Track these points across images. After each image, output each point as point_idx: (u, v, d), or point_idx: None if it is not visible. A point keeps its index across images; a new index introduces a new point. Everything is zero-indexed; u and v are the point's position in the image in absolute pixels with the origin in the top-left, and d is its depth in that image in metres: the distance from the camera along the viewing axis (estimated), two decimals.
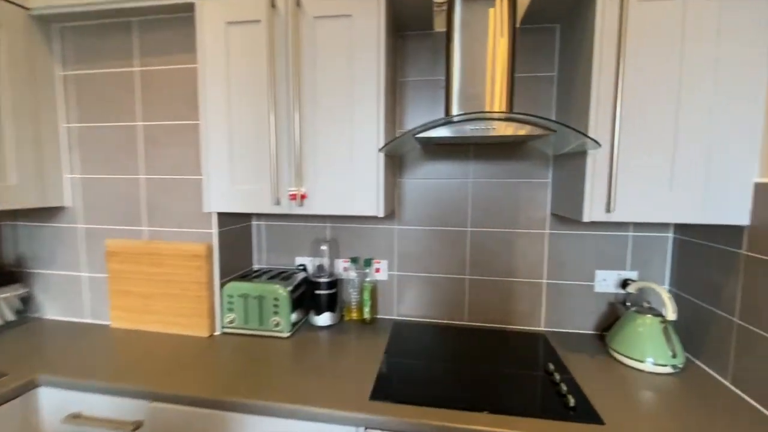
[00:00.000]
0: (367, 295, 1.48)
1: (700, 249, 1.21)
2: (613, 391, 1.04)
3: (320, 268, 1.55)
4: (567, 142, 1.10)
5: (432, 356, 1.25)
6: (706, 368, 1.16)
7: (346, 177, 1.21)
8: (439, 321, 1.54)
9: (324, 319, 1.47)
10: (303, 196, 1.22)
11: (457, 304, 1.52)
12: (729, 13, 0.97)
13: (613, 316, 1.41)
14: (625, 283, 1.38)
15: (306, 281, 1.51)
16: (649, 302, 1.28)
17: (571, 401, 0.97)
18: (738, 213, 1.02)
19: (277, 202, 1.23)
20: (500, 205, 1.45)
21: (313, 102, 1.19)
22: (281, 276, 1.47)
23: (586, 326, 1.45)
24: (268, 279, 1.44)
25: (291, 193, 1.22)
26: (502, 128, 1.03)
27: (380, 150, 1.18)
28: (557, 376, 1.10)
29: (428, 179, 1.49)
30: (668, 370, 1.13)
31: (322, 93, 1.19)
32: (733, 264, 1.07)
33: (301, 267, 1.61)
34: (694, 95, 1.00)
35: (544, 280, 1.45)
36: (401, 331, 1.44)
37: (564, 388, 1.03)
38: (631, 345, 1.19)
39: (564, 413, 0.94)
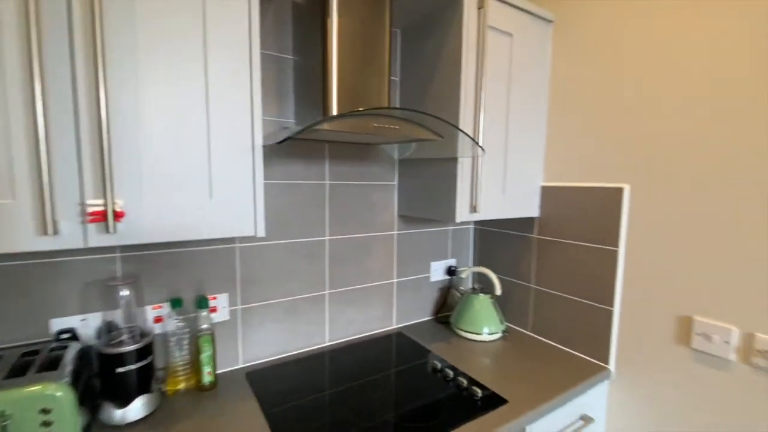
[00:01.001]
0: (207, 349, 1.03)
1: (497, 236, 1.57)
2: (485, 367, 1.19)
3: (110, 328, 0.95)
4: (433, 147, 1.15)
5: (316, 389, 1.03)
6: (515, 327, 1.53)
7: (198, 181, 0.78)
8: (300, 351, 1.29)
9: (136, 409, 0.91)
10: (118, 216, 0.68)
11: (318, 324, 1.32)
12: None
13: (443, 299, 1.62)
14: (450, 270, 1.61)
15: (85, 357, 0.89)
16: (480, 284, 1.55)
17: (478, 393, 1.04)
18: (534, 208, 1.39)
19: (52, 230, 0.63)
20: (356, 208, 1.36)
21: (133, 57, 0.69)
22: (32, 362, 0.79)
23: (427, 313, 1.60)
24: (8, 374, 0.74)
25: (93, 210, 0.66)
26: (408, 129, 0.95)
27: (279, 143, 0.83)
28: (450, 373, 1.15)
29: (280, 181, 1.19)
30: (499, 335, 1.42)
31: (149, 44, 0.70)
32: (529, 245, 1.45)
33: (66, 334, 0.93)
34: (496, 117, 1.27)
35: (395, 280, 1.48)
36: (263, 380, 1.10)
37: (463, 382, 1.10)
38: (472, 321, 1.41)
39: (477, 407, 0.99)
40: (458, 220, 1.17)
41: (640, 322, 1.15)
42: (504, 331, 1.44)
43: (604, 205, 1.21)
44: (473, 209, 1.18)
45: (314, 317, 1.31)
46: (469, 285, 1.70)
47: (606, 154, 1.21)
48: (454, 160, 1.17)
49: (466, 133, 0.97)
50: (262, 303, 1.20)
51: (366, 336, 1.42)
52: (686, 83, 1.02)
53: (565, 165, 1.33)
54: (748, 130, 0.92)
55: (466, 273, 1.53)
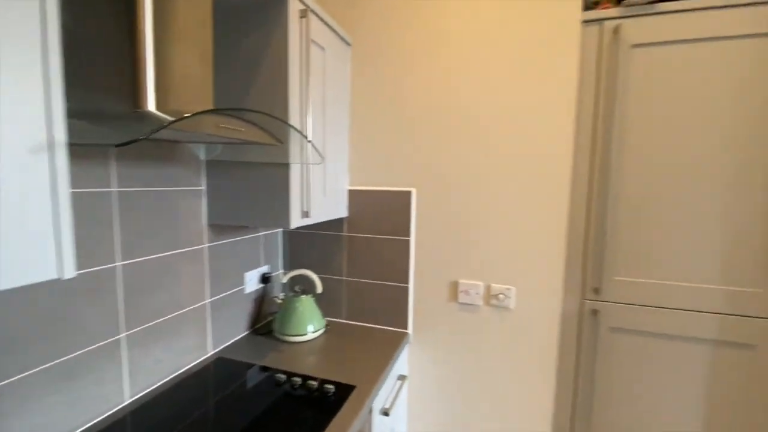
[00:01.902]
0: None
1: (307, 237, 1.65)
2: (323, 363, 1.26)
3: None
4: (256, 151, 1.10)
5: None
6: (333, 318, 1.65)
7: None
8: (90, 425, 0.92)
9: None
10: None
11: (112, 381, 0.98)
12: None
13: (258, 309, 1.54)
14: (264, 278, 1.55)
15: None
16: (300, 286, 1.55)
17: (330, 388, 1.10)
18: (344, 209, 1.55)
19: None
20: (156, 221, 1.09)
21: None
22: None
23: (243, 328, 1.47)
24: None
25: None
26: (252, 133, 0.87)
27: (118, 145, 0.56)
28: (297, 380, 1.14)
29: None
30: (323, 330, 1.50)
31: None
32: (340, 242, 1.60)
33: None
34: (317, 125, 1.38)
35: (208, 300, 1.29)
36: None
37: (313, 384, 1.12)
38: (297, 324, 1.43)
39: (335, 401, 1.05)
40: (293, 226, 1.17)
41: (427, 292, 1.52)
42: (325, 326, 1.54)
43: (398, 205, 1.51)
44: (305, 214, 1.21)
45: (106, 373, 0.97)
46: (286, 290, 1.69)
47: (398, 163, 1.51)
48: (284, 166, 1.15)
49: (311, 142, 0.99)
50: (19, 376, 0.79)
51: (180, 374, 1.18)
52: (453, 107, 1.43)
53: (367, 171, 1.55)
54: (485, 145, 1.40)
55: (287, 277, 1.53)
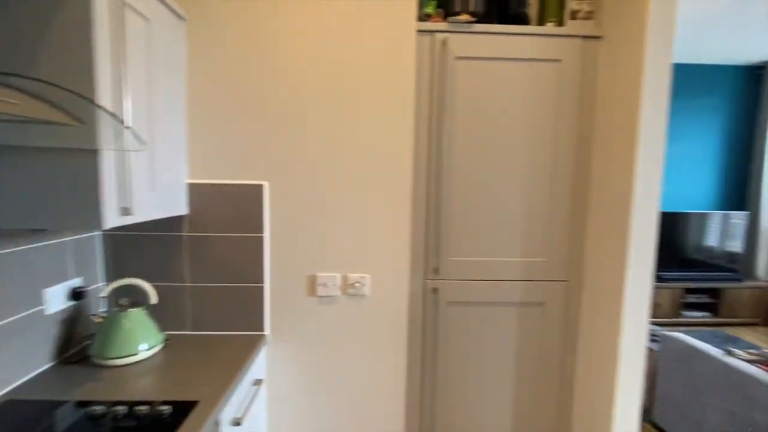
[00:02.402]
0: None
1: (136, 240, 1.40)
2: (158, 383, 1.09)
3: None
4: (44, 133, 0.88)
5: None
6: (175, 331, 1.44)
7: None
8: None
9: None
10: None
11: None
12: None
13: (68, 333, 1.24)
14: (76, 293, 1.25)
15: None
16: (127, 299, 1.29)
17: (165, 410, 0.96)
18: (182, 206, 1.37)
19: None
20: None
21: None
22: None
23: (47, 359, 1.16)
24: None
25: None
26: (34, 108, 0.68)
27: None
28: (119, 410, 0.95)
29: None
30: (160, 347, 1.30)
31: None
32: (179, 244, 1.41)
33: None
34: (139, 106, 1.20)
35: None
36: None
37: (142, 409, 0.95)
38: (124, 344, 1.21)
39: (171, 421, 0.92)
40: (108, 225, 0.97)
41: (284, 289, 1.47)
42: (165, 340, 1.34)
43: (249, 199, 1.42)
44: (125, 211, 1.02)
45: None
46: (110, 305, 1.39)
47: (248, 155, 1.41)
48: (92, 153, 0.94)
49: (127, 126, 0.83)
50: None
51: None
52: (303, 99, 1.40)
53: (211, 163, 1.41)
54: (335, 140, 1.42)
55: (109, 290, 1.26)
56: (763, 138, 3.86)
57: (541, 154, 1.53)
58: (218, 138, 1.40)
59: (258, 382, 1.35)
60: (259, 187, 1.41)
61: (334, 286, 1.47)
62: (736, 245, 3.92)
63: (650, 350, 2.29)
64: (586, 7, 1.49)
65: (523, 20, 1.51)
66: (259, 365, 1.42)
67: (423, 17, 1.48)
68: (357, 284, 1.47)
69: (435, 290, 1.56)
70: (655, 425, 2.18)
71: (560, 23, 1.51)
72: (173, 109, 1.29)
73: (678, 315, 3.77)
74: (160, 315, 1.43)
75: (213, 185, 1.41)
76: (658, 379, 2.14)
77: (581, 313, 1.60)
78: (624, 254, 1.35)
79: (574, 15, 1.49)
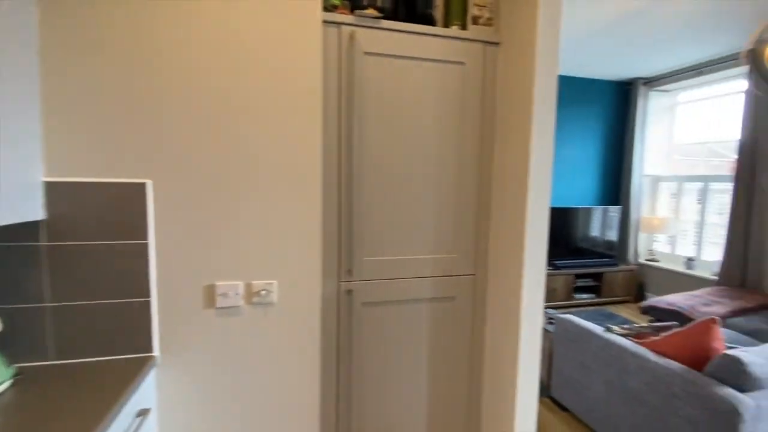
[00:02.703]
0: None
1: None
2: None
3: None
4: None
5: None
6: (31, 363, 1.17)
7: None
8: None
9: None
10: None
11: None
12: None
13: None
14: None
15: None
16: None
17: None
18: (36, 210, 1.12)
19: None
20: None
21: None
22: None
23: None
24: None
25: None
26: None
27: None
28: None
29: None
30: (8, 385, 1.05)
31: None
32: (36, 256, 1.15)
33: None
34: None
35: None
36: None
37: None
38: None
39: None
40: None
41: (177, 302, 1.30)
42: (15, 376, 1.08)
43: (128, 200, 1.22)
44: None
45: None
46: None
47: (127, 148, 1.21)
48: None
49: None
50: None
51: None
52: (197, 86, 1.24)
53: (78, 158, 1.17)
54: (236, 135, 1.29)
55: None
56: (632, 144, 4.56)
57: (449, 153, 1.58)
58: (88, 127, 1.17)
59: (144, 413, 1.17)
60: (142, 185, 1.22)
61: (237, 295, 1.34)
62: (612, 235, 4.57)
63: (547, 332, 2.54)
64: (486, 14, 1.56)
65: (429, 21, 1.53)
66: (146, 392, 1.23)
67: (329, 8, 1.42)
68: (263, 292, 1.35)
69: (349, 292, 1.52)
70: (553, 400, 2.42)
71: (464, 27, 1.56)
72: (18, 91, 1.04)
73: (571, 298, 4.27)
74: (11, 344, 1.16)
75: (81, 184, 1.18)
76: (554, 358, 2.37)
77: (487, 303, 1.69)
78: (521, 247, 1.44)
79: (475, 20, 1.56)
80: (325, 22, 1.38)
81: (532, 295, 1.47)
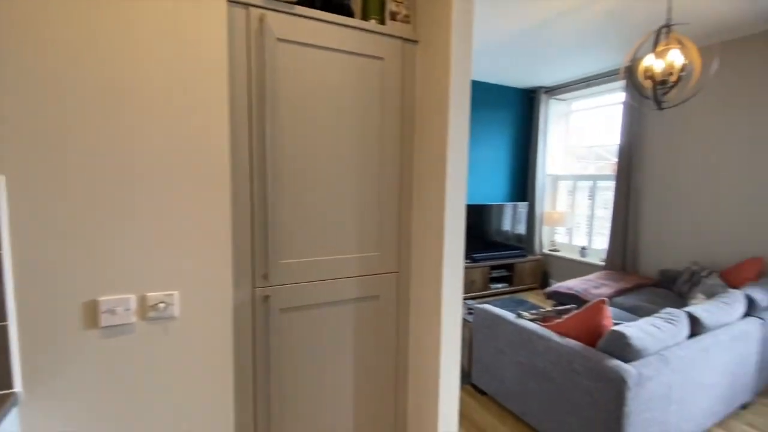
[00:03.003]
0: None
1: None
2: None
3: None
4: None
5: None
6: None
7: None
8: None
9: None
10: None
11: None
12: None
13: None
14: None
15: None
16: None
17: None
18: None
19: None
20: None
21: None
22: None
23: None
24: None
25: None
26: None
27: None
28: None
29: None
30: None
31: None
32: None
33: None
34: None
35: None
36: None
37: None
38: None
39: None
40: None
41: (45, 325, 1.07)
42: None
43: None
44: None
45: None
46: None
47: None
48: None
49: None
50: None
51: None
52: (78, 59, 1.02)
53: None
54: (123, 120, 1.09)
55: None
56: (536, 147, 5.03)
57: (371, 150, 1.54)
58: None
59: None
60: None
61: (128, 311, 1.14)
62: (522, 228, 5.00)
63: (466, 322, 2.67)
64: (403, 11, 1.56)
65: (346, 11, 1.48)
66: None
67: None
68: (161, 305, 1.18)
69: (266, 298, 1.40)
70: (474, 386, 2.55)
71: (382, 22, 1.54)
72: None
73: (487, 288, 4.58)
74: None
75: None
76: (474, 346, 2.50)
77: (411, 299, 1.70)
78: (441, 243, 1.47)
79: (393, 16, 1.55)
80: (231, 1, 1.25)
81: (452, 288, 1.51)
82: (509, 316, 2.28)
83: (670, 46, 2.20)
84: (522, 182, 5.28)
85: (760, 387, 2.48)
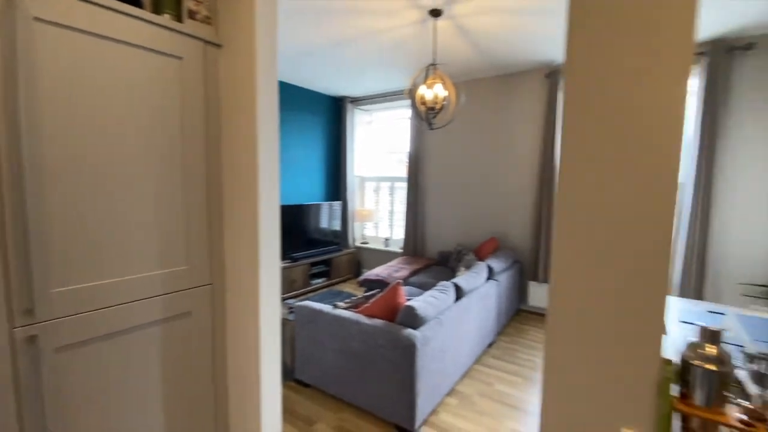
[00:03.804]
0: None
1: None
2: None
3: None
4: None
5: None
6: None
7: None
8: None
9: None
10: None
11: None
12: None
13: None
14: None
15: None
16: None
17: None
18: None
19: None
20: None
21: None
22: None
23: None
24: None
25: None
26: None
27: None
28: None
29: None
30: None
31: None
32: None
33: None
34: None
35: None
36: None
37: None
38: None
39: None
40: None
41: None
42: None
43: None
44: None
45: None
46: None
47: None
48: None
49: None
50: None
51: None
52: None
53: None
54: None
55: None
56: (345, 150, 5.52)
57: (170, 153, 1.42)
58: None
59: None
60: None
61: None
62: (337, 225, 5.43)
63: (288, 321, 2.76)
64: (203, 11, 1.50)
65: (133, 1, 1.32)
66: None
67: None
68: None
69: (32, 339, 1.12)
70: (299, 381, 2.67)
71: (178, 19, 1.44)
72: None
73: (308, 285, 4.78)
74: None
75: None
76: (296, 343, 2.62)
77: (227, 310, 1.67)
78: (256, 247, 1.51)
79: (192, 14, 1.47)
80: None
81: (270, 291, 1.57)
82: (326, 308, 2.50)
83: (435, 80, 2.85)
84: (336, 183, 5.71)
85: (498, 329, 3.54)
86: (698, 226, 3.21)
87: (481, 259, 3.99)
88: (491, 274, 3.44)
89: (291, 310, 2.96)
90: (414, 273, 4.25)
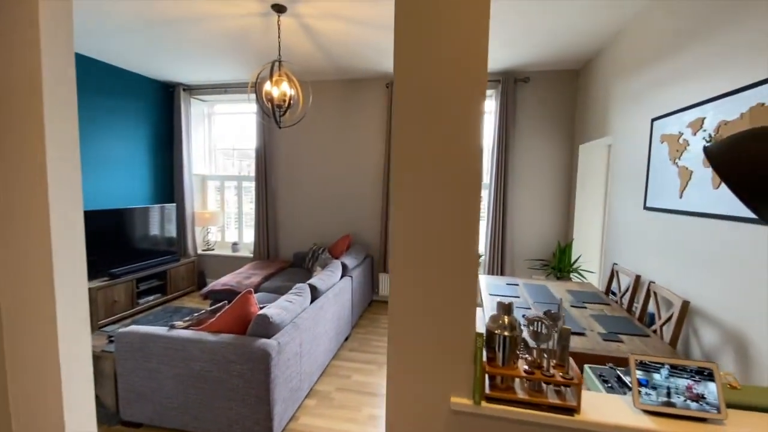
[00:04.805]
0: None
1: None
2: None
3: None
4: None
5: None
6: None
7: None
8: None
9: None
10: None
11: None
12: None
13: None
14: None
15: None
16: None
17: None
18: None
19: None
20: None
21: None
22: None
23: None
24: None
25: None
26: None
27: None
28: None
29: None
30: None
31: None
32: None
33: None
34: None
35: None
36: None
37: None
38: None
39: None
40: None
41: None
42: None
43: None
44: None
45: None
46: None
47: None
48: None
49: None
50: None
51: None
52: None
53: None
54: None
55: None
56: (180, 145, 4.82)
57: None
58: None
59: None
60: None
61: None
62: (172, 231, 4.71)
63: (108, 353, 2.26)
64: None
65: None
66: None
67: None
68: None
69: None
70: (126, 423, 2.22)
71: None
72: None
73: (135, 304, 4.01)
74: None
75: None
76: (120, 378, 2.17)
77: (6, 355, 1.25)
78: (49, 268, 1.18)
79: None
80: None
81: (74, 321, 1.25)
82: (160, 330, 2.14)
83: (281, 78, 2.77)
84: (168, 182, 4.94)
85: (353, 322, 3.71)
86: (499, 217, 4.05)
87: (336, 257, 4.09)
88: (345, 271, 3.56)
89: (111, 338, 2.44)
90: (267, 278, 4.06)
